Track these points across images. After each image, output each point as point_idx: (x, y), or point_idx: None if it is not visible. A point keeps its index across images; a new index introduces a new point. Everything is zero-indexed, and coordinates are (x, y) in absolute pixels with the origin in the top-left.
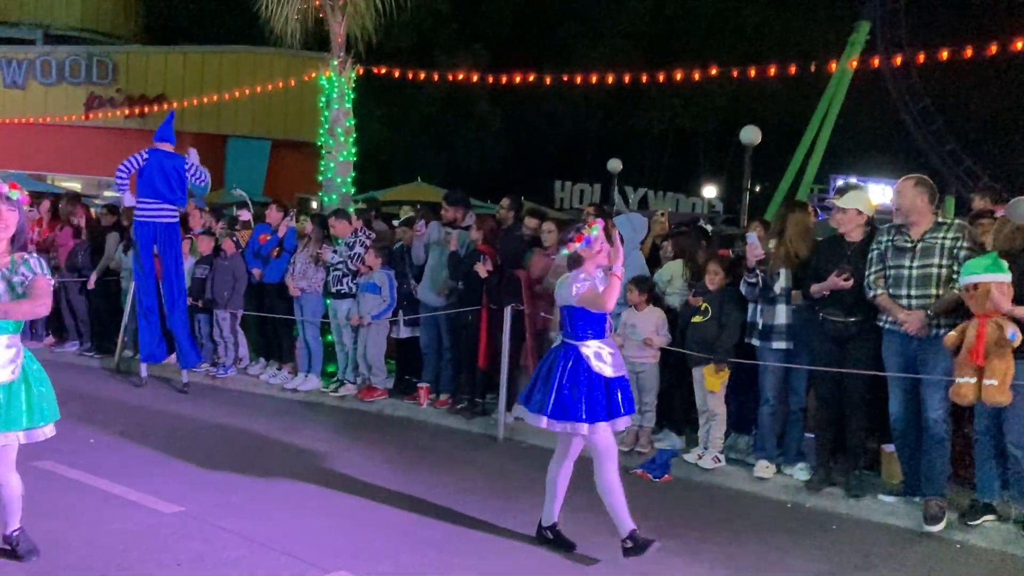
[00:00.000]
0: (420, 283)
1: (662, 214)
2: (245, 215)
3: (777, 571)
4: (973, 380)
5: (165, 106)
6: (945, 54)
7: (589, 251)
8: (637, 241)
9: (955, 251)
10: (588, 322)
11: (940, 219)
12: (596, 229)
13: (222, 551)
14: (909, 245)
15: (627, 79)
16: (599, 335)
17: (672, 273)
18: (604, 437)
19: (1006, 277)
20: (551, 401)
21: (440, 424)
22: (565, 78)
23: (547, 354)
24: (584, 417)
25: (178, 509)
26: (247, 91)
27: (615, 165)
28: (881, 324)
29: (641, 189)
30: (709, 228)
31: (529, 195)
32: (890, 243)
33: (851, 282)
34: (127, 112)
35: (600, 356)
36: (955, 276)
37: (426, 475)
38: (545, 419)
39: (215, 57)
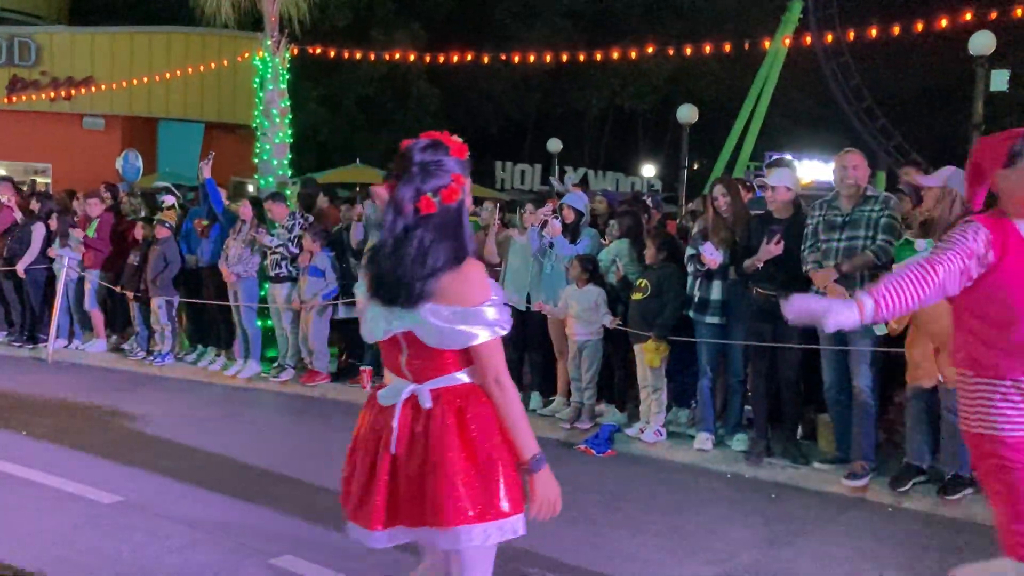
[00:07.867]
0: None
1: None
2: (170, 199)
3: (720, 541)
4: None
5: (93, 89)
6: (874, 32)
7: None
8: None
9: (878, 221)
10: None
11: (869, 192)
12: None
13: (165, 540)
14: (839, 219)
15: (565, 58)
16: None
17: (617, 253)
18: None
19: None
20: None
21: None
22: (503, 57)
23: None
24: None
25: (118, 499)
26: (178, 72)
27: (555, 145)
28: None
29: (581, 169)
30: (650, 203)
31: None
32: (821, 218)
33: (781, 245)
34: (53, 95)
35: None
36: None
37: None
38: None
39: (144, 38)
